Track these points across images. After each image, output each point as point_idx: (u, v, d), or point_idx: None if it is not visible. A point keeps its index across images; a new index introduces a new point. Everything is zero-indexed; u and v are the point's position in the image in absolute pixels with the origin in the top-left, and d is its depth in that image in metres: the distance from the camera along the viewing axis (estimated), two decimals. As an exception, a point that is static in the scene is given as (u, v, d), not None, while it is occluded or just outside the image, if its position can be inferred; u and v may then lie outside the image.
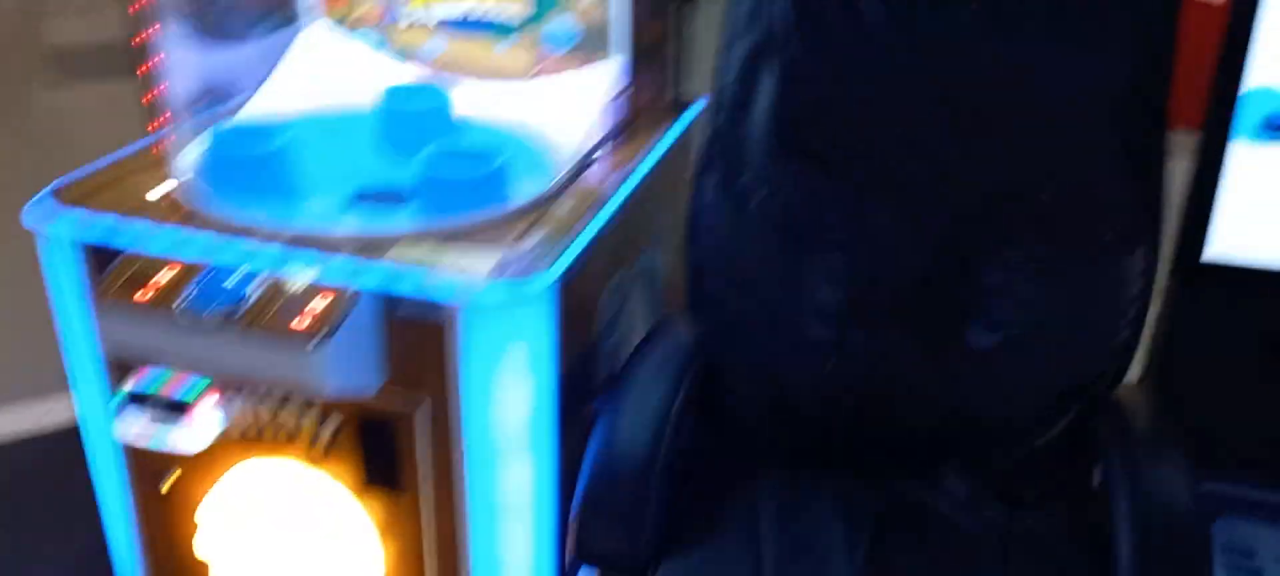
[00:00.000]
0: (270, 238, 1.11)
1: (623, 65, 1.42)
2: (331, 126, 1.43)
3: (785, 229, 1.23)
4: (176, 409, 1.18)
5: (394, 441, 1.16)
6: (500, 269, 1.07)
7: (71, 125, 2.00)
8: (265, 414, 1.19)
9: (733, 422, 1.30)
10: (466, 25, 1.49)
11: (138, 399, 1.18)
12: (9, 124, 1.96)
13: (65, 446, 1.47)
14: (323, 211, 1.20)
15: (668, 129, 1.47)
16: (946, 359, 1.22)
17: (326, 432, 1.18)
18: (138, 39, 1.67)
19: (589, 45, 1.45)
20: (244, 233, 1.12)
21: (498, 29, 1.48)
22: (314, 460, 1.20)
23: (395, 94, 1.41)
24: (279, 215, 1.17)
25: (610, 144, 1.39)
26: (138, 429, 1.18)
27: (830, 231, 1.22)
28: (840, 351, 1.23)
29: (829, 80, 1.20)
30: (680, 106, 1.54)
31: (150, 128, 1.86)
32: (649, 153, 1.39)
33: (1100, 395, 1.21)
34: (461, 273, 1.06)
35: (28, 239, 1.22)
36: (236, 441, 1.22)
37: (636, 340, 1.38)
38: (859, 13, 1.16)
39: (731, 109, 1.24)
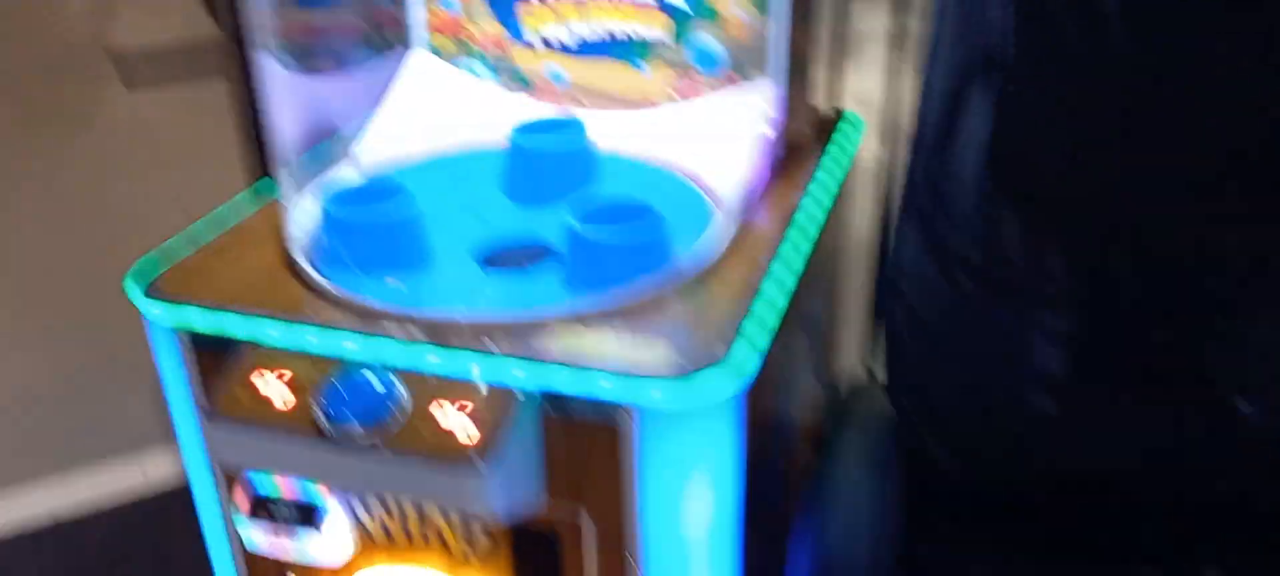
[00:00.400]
0: (407, 326, 0.95)
1: (780, 85, 1.23)
2: (456, 172, 1.27)
3: (1000, 283, 1.04)
4: (306, 513, 1.03)
5: (555, 554, 0.99)
6: (682, 361, 0.90)
7: (151, 137, 1.87)
8: (407, 515, 1.04)
9: (943, 514, 1.12)
10: (597, 48, 1.31)
11: (262, 504, 1.03)
12: (84, 136, 1.83)
13: (175, 507, 1.31)
14: (461, 286, 1.04)
15: (828, 153, 1.28)
16: (1197, 429, 1.03)
17: (477, 539, 1.02)
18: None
19: (736, 64, 1.27)
20: (376, 320, 0.96)
21: (633, 50, 1.30)
22: (460, 568, 1.05)
23: (527, 130, 1.24)
24: (412, 293, 1.01)
25: (772, 179, 1.21)
26: (264, 539, 1.03)
27: (1054, 286, 1.03)
28: (1066, 424, 1.05)
29: (1056, 108, 1.00)
30: (830, 125, 1.35)
31: (244, 148, 1.72)
32: (816, 186, 1.20)
33: None
34: (635, 367, 0.89)
35: (115, 270, 1.07)
36: (373, 544, 1.07)
37: (801, 402, 1.21)
38: (1099, 26, 0.95)
39: (935, 143, 1.06)
